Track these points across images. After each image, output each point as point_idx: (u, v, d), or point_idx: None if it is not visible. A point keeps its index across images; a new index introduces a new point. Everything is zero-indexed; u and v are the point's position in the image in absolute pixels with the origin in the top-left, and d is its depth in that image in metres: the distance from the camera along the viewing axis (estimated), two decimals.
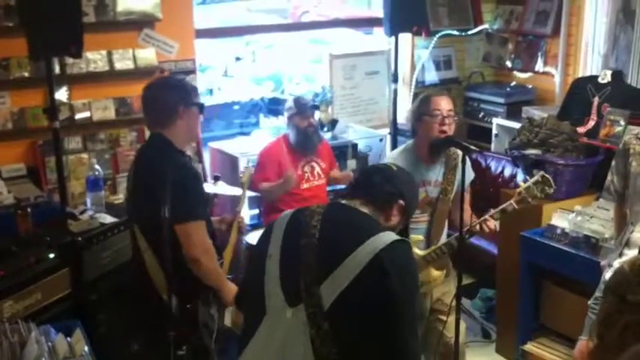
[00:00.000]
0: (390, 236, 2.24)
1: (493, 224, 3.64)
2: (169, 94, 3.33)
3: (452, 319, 3.58)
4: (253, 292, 2.34)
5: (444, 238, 3.82)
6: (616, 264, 3.55)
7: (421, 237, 3.74)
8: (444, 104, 3.70)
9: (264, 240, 2.40)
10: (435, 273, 3.73)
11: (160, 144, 3.30)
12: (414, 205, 2.61)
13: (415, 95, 5.72)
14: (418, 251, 3.70)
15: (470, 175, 3.85)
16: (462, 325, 3.94)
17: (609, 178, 3.76)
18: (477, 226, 3.62)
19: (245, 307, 2.49)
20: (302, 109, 4.94)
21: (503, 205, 3.63)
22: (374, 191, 2.41)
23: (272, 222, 2.47)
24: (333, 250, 2.21)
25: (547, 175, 3.63)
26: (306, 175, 5.02)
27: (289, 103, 5.03)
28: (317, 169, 5.06)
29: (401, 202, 2.43)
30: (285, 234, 2.34)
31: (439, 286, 3.81)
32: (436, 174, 3.79)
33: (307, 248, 2.25)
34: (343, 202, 2.42)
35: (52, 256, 3.81)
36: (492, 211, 3.64)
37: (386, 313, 2.17)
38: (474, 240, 4.85)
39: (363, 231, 2.24)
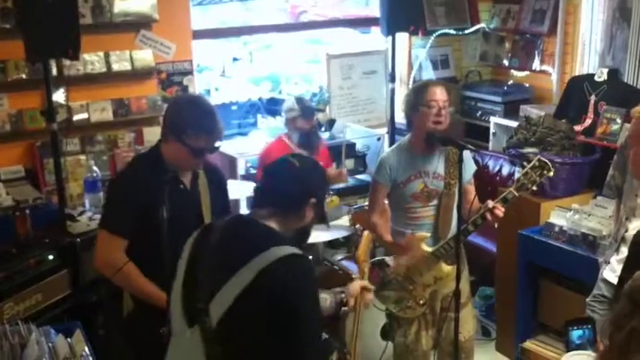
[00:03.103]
0: (281, 251, 2.14)
1: (501, 212, 3.54)
2: (170, 113, 3.17)
3: (462, 314, 3.59)
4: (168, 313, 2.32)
5: (453, 232, 3.81)
6: (613, 260, 3.57)
7: (427, 234, 3.73)
8: (440, 94, 3.64)
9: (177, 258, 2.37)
10: (447, 268, 3.69)
11: (147, 153, 3.23)
12: (325, 192, 2.54)
13: None
14: (427, 248, 3.70)
15: (472, 167, 3.86)
16: (473, 322, 3.97)
17: (610, 172, 3.79)
18: (479, 220, 3.58)
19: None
20: (306, 112, 4.95)
21: (504, 194, 3.59)
22: (282, 200, 2.30)
23: (188, 240, 2.41)
24: (223, 268, 2.15)
25: (544, 159, 3.57)
26: None
27: (291, 105, 5.01)
28: None
29: (313, 200, 2.35)
30: (191, 251, 2.30)
31: (450, 283, 3.79)
32: (434, 165, 3.75)
33: (203, 266, 2.21)
34: (247, 213, 2.34)
35: (51, 257, 3.82)
36: (491, 202, 3.58)
37: (272, 333, 2.10)
38: (472, 239, 4.89)
39: (256, 246, 2.15)
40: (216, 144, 3.08)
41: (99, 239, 3.08)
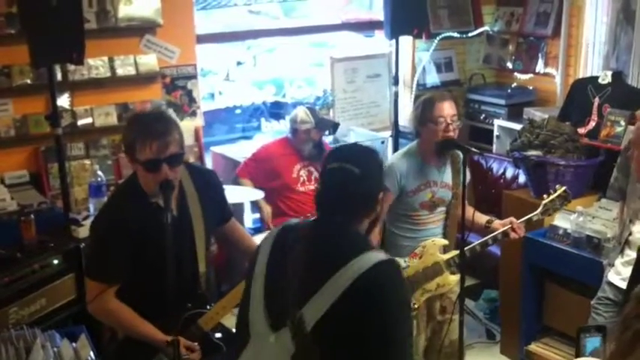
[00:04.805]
0: (374, 257, 2.11)
1: (523, 232, 3.80)
2: (123, 137, 2.97)
3: (456, 317, 3.60)
4: (242, 316, 2.27)
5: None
6: (618, 263, 3.57)
7: (446, 242, 3.77)
8: (448, 110, 3.65)
9: (252, 260, 2.31)
10: (451, 278, 3.73)
11: (125, 186, 3.01)
12: (384, 178, 2.52)
13: (416, 98, 5.73)
14: (442, 255, 3.72)
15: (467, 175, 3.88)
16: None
17: (614, 175, 3.79)
18: (499, 236, 3.74)
19: (237, 333, 2.37)
20: (321, 124, 4.97)
21: (529, 215, 3.80)
22: (358, 210, 2.25)
23: (262, 242, 2.37)
24: (316, 272, 2.12)
25: (568, 191, 3.87)
26: (302, 178, 5.03)
27: (305, 117, 5.00)
28: (315, 174, 5.06)
29: (381, 194, 2.31)
30: (271, 254, 2.26)
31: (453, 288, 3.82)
32: (442, 175, 3.79)
33: (291, 269, 2.17)
34: (328, 217, 2.25)
35: (56, 262, 3.83)
36: (516, 221, 3.76)
37: (370, 338, 2.07)
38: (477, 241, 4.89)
39: (347, 251, 2.12)
40: (171, 150, 2.74)
41: (87, 287, 2.95)
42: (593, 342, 2.75)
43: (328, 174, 2.29)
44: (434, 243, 3.73)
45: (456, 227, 3.82)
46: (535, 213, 3.81)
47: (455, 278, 3.74)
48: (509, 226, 3.74)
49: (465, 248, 3.69)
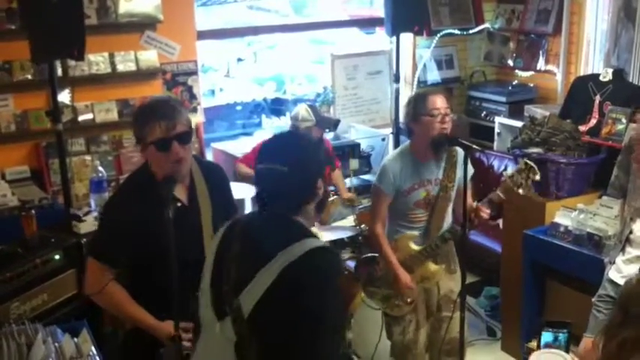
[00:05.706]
0: (308, 244, 2.11)
1: (486, 214, 3.62)
2: (133, 127, 2.98)
3: (456, 315, 3.60)
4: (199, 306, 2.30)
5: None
6: (619, 261, 3.57)
7: (416, 233, 3.77)
8: (441, 102, 3.64)
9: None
10: (434, 267, 3.76)
11: (138, 173, 3.01)
12: (325, 160, 2.46)
13: None
14: (414, 246, 3.74)
15: (469, 170, 3.85)
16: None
17: (615, 173, 3.78)
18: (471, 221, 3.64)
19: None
20: (322, 122, 4.97)
21: (490, 196, 3.65)
22: (292, 204, 2.23)
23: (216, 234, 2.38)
24: (252, 260, 2.14)
25: (530, 162, 3.62)
26: None
27: (306, 115, 4.99)
28: None
29: (319, 182, 2.26)
30: (219, 245, 2.29)
31: (445, 282, 3.82)
32: (436, 172, 3.77)
33: (231, 260, 2.20)
34: (267, 210, 2.24)
35: (57, 257, 3.83)
36: (477, 203, 3.66)
37: (300, 324, 2.09)
38: (478, 239, 4.89)
39: (282, 240, 2.13)
40: (179, 129, 2.78)
41: (88, 266, 2.96)
42: (549, 336, 2.72)
43: (258, 175, 2.27)
44: (403, 236, 3.76)
45: (441, 218, 3.79)
46: (494, 192, 3.64)
47: (438, 268, 3.77)
48: (471, 209, 3.62)
49: (435, 237, 3.73)
